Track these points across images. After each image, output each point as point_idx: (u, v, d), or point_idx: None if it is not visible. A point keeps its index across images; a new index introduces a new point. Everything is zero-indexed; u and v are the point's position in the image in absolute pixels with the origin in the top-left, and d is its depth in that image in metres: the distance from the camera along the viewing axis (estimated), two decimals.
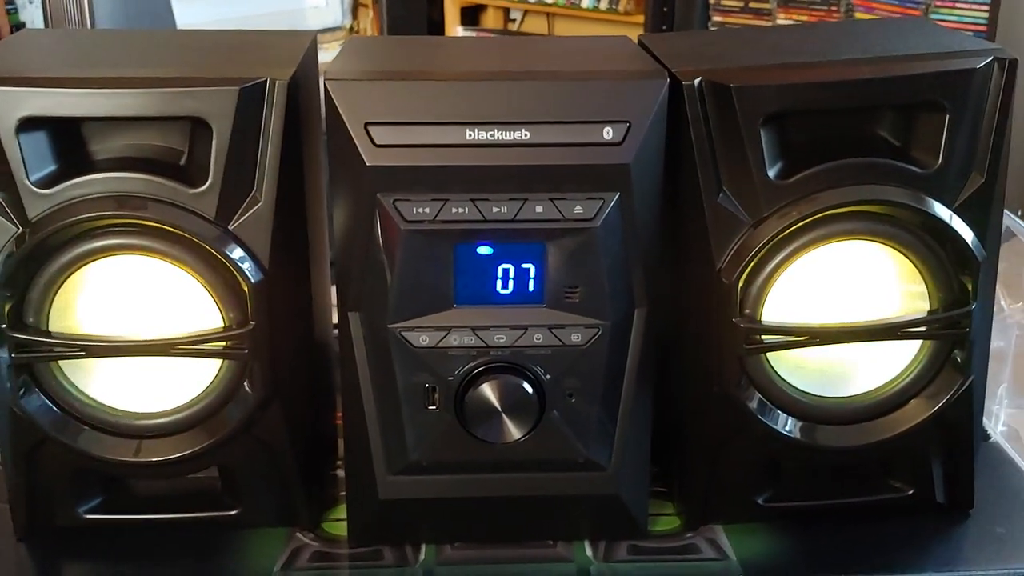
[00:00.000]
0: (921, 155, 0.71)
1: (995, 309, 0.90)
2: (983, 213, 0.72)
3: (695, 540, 0.77)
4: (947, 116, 0.70)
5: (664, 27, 3.12)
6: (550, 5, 3.85)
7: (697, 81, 0.69)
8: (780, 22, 3.11)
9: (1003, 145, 0.72)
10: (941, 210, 0.71)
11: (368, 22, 4.23)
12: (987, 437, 0.88)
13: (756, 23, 3.16)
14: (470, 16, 4.22)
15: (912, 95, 0.70)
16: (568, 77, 0.69)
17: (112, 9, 1.81)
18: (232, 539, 0.76)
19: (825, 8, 3.04)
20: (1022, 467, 0.85)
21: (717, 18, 3.21)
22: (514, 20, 4.22)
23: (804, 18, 3.07)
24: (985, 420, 0.86)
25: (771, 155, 0.70)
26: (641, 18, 3.43)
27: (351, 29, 4.21)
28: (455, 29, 4.11)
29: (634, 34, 0.84)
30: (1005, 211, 0.81)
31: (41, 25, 1.77)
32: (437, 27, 4.07)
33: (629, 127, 0.67)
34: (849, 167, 0.70)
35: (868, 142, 0.72)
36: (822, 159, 0.70)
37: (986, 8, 2.67)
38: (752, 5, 3.17)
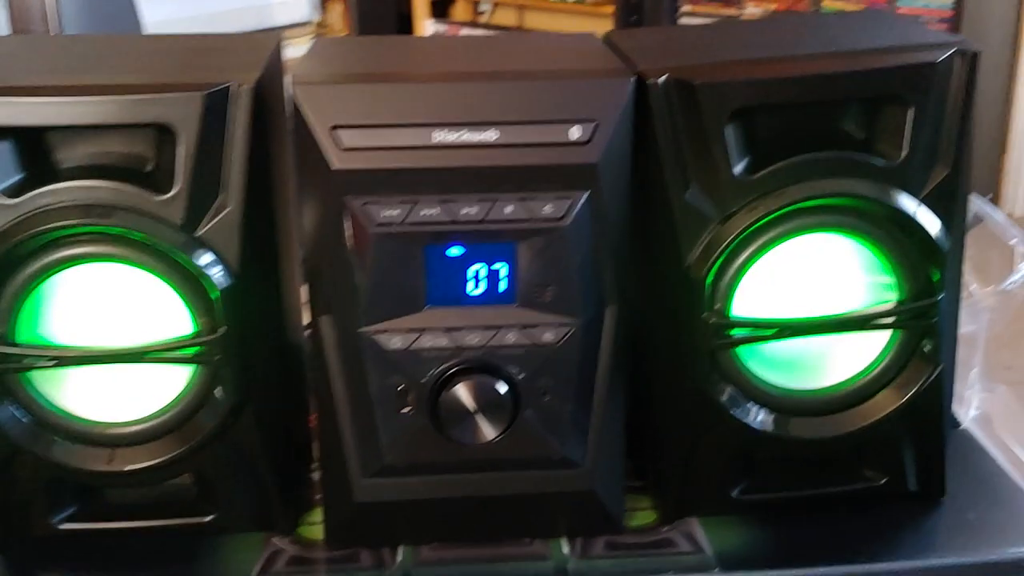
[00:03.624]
0: (886, 148, 0.72)
1: (965, 294, 0.91)
2: (949, 204, 0.73)
3: (671, 534, 0.77)
4: (911, 109, 0.70)
5: (634, 17, 3.12)
6: None
7: (662, 79, 0.69)
8: (749, 10, 3.12)
9: (967, 136, 0.72)
10: (907, 202, 0.71)
11: (337, 17, 4.21)
12: (957, 424, 0.89)
13: (725, 12, 3.17)
14: (440, 9, 4.21)
15: (875, 89, 0.71)
16: (534, 77, 0.69)
17: (78, 8, 1.80)
18: (208, 545, 0.76)
19: None
20: (992, 454, 0.86)
21: (686, 7, 3.22)
22: (483, 12, 4.21)
23: (773, 7, 3.09)
24: (957, 405, 0.87)
25: (737, 151, 0.70)
26: (611, 9, 3.43)
27: (320, 24, 4.19)
28: (424, 22, 4.10)
29: (604, 25, 0.84)
30: (975, 195, 0.82)
31: (5, 24, 1.76)
32: (406, 20, 4.06)
33: (596, 126, 0.68)
34: (815, 161, 0.70)
35: (833, 136, 0.72)
36: (788, 154, 0.70)
37: None
38: None
